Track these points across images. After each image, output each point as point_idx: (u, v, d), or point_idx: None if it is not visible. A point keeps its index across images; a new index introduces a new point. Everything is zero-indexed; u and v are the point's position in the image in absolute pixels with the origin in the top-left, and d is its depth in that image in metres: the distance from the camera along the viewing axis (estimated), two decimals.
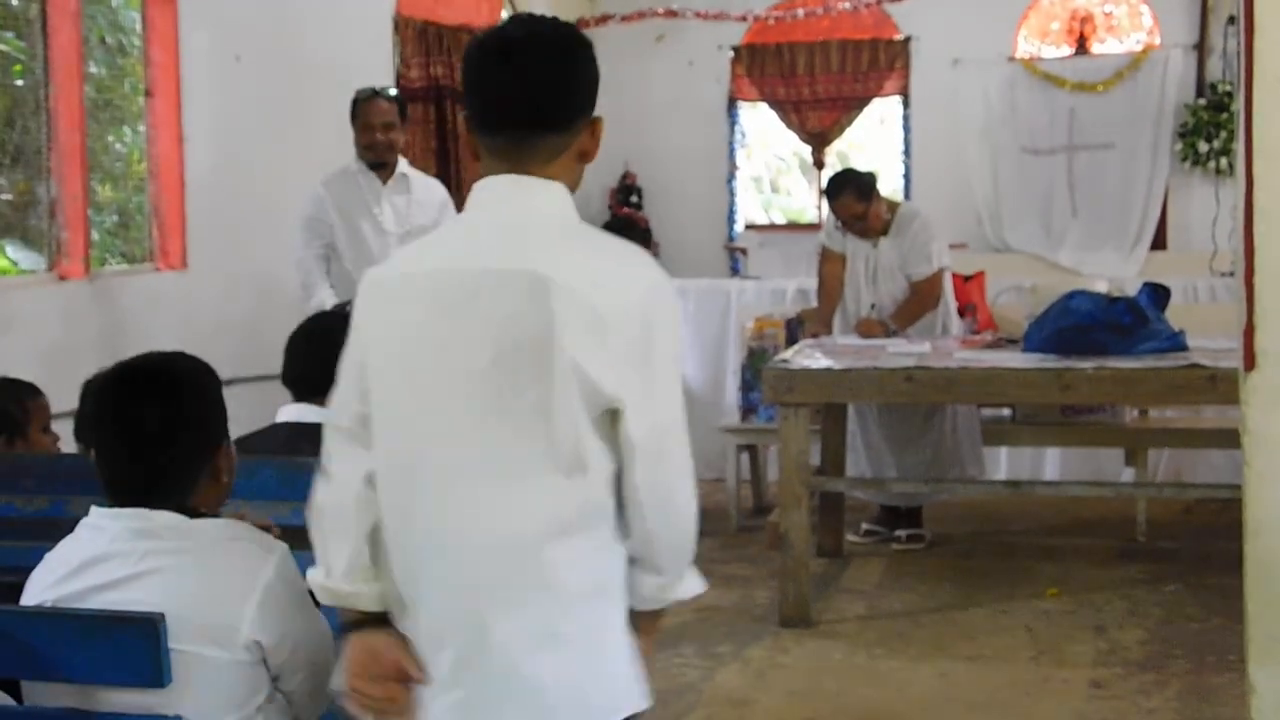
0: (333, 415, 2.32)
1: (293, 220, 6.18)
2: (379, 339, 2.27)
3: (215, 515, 2.57)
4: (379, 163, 6.15)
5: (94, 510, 2.52)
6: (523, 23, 2.31)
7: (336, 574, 2.26)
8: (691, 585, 2.34)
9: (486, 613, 2.18)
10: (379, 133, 6.09)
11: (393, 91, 6.32)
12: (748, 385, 7.19)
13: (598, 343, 2.14)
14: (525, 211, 2.25)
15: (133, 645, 2.36)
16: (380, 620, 2.26)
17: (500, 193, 2.27)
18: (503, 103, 2.25)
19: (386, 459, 2.25)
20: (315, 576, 2.30)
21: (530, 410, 2.15)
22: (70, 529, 2.59)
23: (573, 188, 2.32)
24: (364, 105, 6.12)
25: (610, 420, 2.17)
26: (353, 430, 2.28)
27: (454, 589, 2.20)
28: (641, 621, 2.31)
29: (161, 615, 2.35)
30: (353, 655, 2.26)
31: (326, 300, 5.99)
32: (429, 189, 6.36)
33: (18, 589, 3.22)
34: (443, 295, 2.21)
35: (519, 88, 2.24)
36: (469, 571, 2.18)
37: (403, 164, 6.25)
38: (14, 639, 2.45)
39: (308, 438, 3.61)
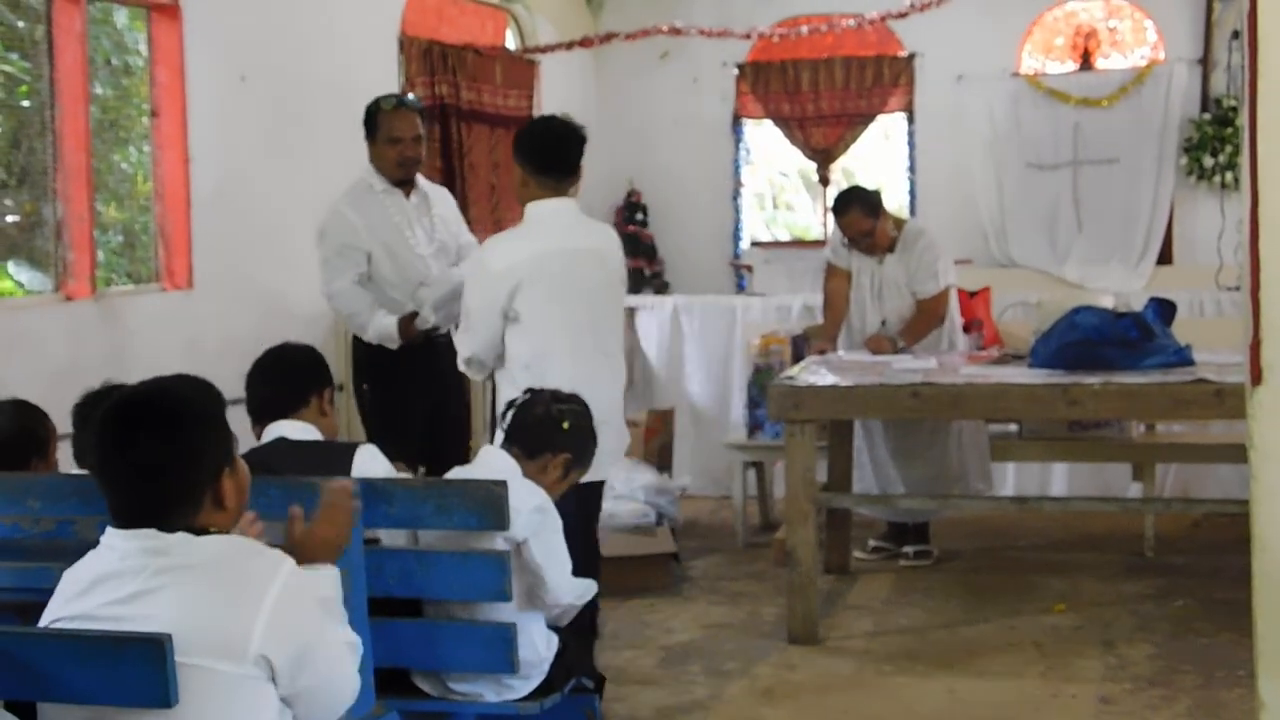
0: (484, 317, 4.74)
1: (301, 243, 6.03)
2: (530, 282, 4.66)
3: (224, 533, 2.56)
4: (405, 179, 5.64)
5: (107, 530, 2.52)
6: (570, 123, 4.87)
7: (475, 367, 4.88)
8: None
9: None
10: (409, 147, 5.59)
11: (411, 97, 5.73)
12: (754, 402, 7.18)
13: (620, 280, 4.99)
14: (578, 216, 4.89)
15: (139, 666, 2.35)
16: None
17: (560, 207, 4.81)
18: (563, 161, 4.81)
19: (535, 339, 4.70)
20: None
21: (613, 317, 4.92)
22: (76, 551, 2.59)
23: None
24: (391, 116, 5.57)
25: None
26: (499, 325, 4.72)
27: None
28: None
29: (168, 636, 2.34)
30: None
31: (390, 325, 5.49)
32: (445, 201, 5.89)
33: (26, 610, 3.22)
34: (564, 258, 4.75)
35: (572, 154, 4.82)
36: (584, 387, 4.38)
37: (418, 177, 5.75)
38: (18, 660, 2.44)
39: (306, 454, 3.65)
